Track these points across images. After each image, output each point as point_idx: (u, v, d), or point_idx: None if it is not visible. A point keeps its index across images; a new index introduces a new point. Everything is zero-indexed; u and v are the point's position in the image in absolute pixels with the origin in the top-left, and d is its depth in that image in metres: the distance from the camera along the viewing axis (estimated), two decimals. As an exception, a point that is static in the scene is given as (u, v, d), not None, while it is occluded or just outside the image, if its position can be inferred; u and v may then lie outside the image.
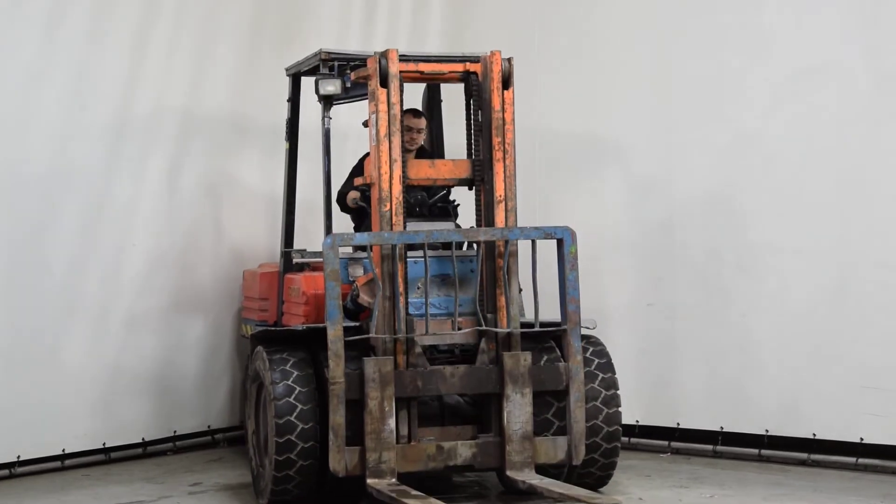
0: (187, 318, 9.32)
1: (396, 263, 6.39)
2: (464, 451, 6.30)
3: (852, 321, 7.94)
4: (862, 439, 7.93)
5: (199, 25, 9.35)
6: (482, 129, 6.63)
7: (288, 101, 8.17)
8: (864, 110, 8.08)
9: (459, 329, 6.48)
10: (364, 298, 6.52)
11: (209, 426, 9.42)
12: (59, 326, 8.36)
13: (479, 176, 6.64)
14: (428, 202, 7.24)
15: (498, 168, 6.48)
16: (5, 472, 8.06)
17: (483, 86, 6.60)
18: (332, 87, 6.98)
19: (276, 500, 6.54)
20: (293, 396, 6.35)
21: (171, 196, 9.21)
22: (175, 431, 9.16)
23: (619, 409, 6.86)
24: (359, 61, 7.05)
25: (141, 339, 8.94)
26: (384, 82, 6.37)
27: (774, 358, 8.33)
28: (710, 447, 8.59)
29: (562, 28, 9.73)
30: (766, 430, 8.29)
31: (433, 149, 8.59)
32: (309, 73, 7.70)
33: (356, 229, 7.80)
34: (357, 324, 6.54)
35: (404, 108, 7.06)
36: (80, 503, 7.39)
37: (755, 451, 8.40)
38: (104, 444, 8.63)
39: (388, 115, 6.36)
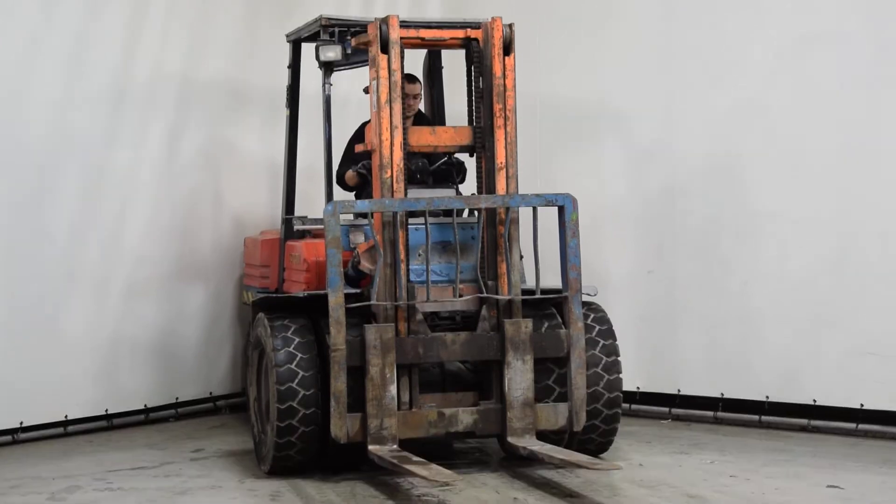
0: (188, 286, 9.41)
1: (398, 230, 6.38)
2: (465, 417, 6.32)
3: (853, 289, 7.99)
4: (862, 405, 8.02)
5: None
6: (483, 96, 6.61)
7: (288, 67, 8.11)
8: (864, 78, 8.05)
9: (461, 296, 6.46)
10: (365, 265, 6.52)
11: (211, 393, 9.56)
12: (60, 294, 8.44)
13: (480, 143, 6.63)
14: (429, 169, 7.27)
15: (499, 135, 6.47)
16: (8, 438, 8.18)
17: (484, 52, 6.57)
18: (332, 53, 6.96)
19: (279, 465, 6.56)
20: (294, 363, 6.37)
21: (171, 164, 9.24)
22: (177, 398, 9.28)
23: (620, 375, 6.87)
24: (359, 27, 7.00)
25: (142, 307, 9.04)
26: (385, 48, 6.34)
27: (775, 325, 8.37)
28: (710, 414, 8.64)
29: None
30: (767, 397, 8.34)
31: (434, 116, 8.55)
32: (309, 39, 7.64)
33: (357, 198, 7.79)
34: (358, 290, 6.52)
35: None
36: (83, 469, 7.49)
37: (756, 417, 8.48)
38: (106, 410, 8.75)
39: (389, 82, 6.34)
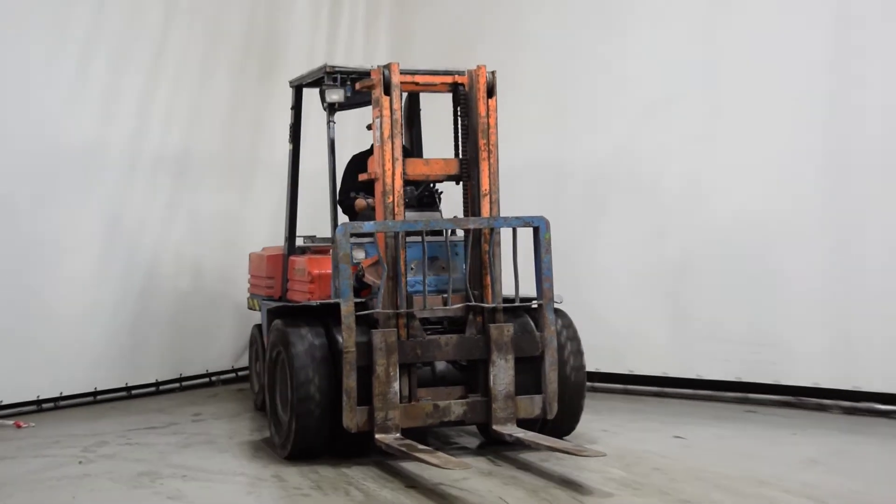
0: (193, 291, 10.64)
1: (399, 248, 6.85)
2: (456, 408, 6.83)
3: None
4: (699, 376, 9.65)
5: (197, 79, 10.49)
6: (468, 133, 7.11)
7: (291, 108, 8.65)
8: (701, 133, 9.62)
9: (451, 305, 7.01)
10: (369, 278, 7.04)
11: (207, 370, 10.78)
12: (94, 294, 9.56)
13: (466, 173, 7.14)
14: (415, 194, 7.72)
15: (484, 166, 6.99)
16: (51, 404, 9.27)
17: (470, 95, 7.08)
18: (336, 95, 7.54)
19: (297, 452, 6.94)
20: (311, 363, 6.81)
21: (181, 197, 10.51)
22: (181, 374, 10.48)
23: (584, 370, 7.49)
24: (357, 74, 7.53)
25: (156, 306, 10.15)
26: (387, 91, 6.83)
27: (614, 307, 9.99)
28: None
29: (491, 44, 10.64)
30: (630, 370, 10.09)
31: (413, 150, 8.98)
32: (310, 84, 8.23)
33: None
34: (362, 300, 6.93)
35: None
36: (108, 428, 8.52)
37: (620, 385, 10.23)
38: (126, 383, 9.90)
39: (391, 120, 6.83)
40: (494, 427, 6.80)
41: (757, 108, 9.32)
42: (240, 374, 11.09)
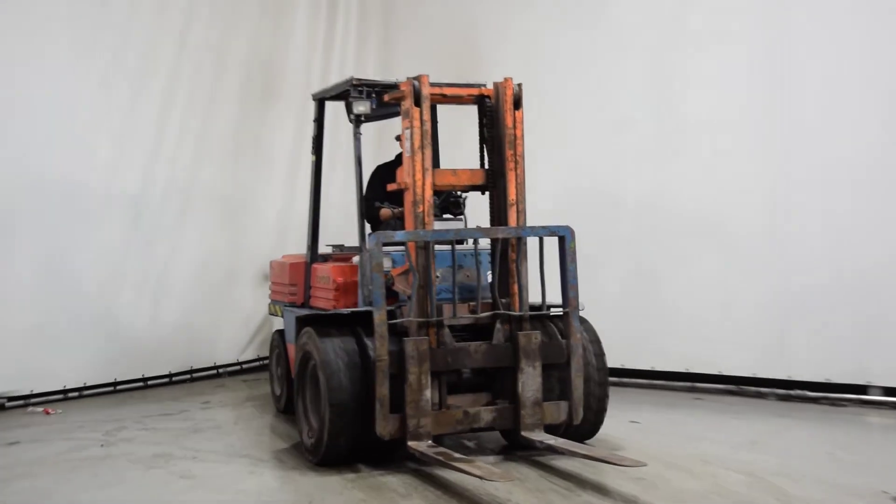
0: (202, 293, 10.73)
1: (429, 257, 6.46)
2: (485, 415, 6.45)
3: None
4: (653, 367, 9.86)
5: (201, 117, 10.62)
6: (494, 144, 6.76)
7: (315, 121, 8.25)
8: (653, 153, 9.72)
9: (479, 313, 6.59)
10: (399, 287, 6.67)
11: (215, 363, 10.94)
12: (114, 297, 9.81)
13: (492, 183, 6.80)
14: (437, 203, 7.40)
15: (511, 176, 6.63)
16: (76, 393, 9.57)
17: (496, 107, 6.74)
18: (363, 107, 7.11)
19: (328, 458, 6.55)
20: (344, 371, 6.42)
21: (196, 221, 10.68)
22: (192, 367, 10.70)
23: (607, 375, 7.09)
24: (382, 87, 7.20)
25: (169, 309, 10.38)
26: (417, 102, 6.46)
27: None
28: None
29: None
30: (653, 367, 9.88)
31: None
32: (333, 98, 7.88)
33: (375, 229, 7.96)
34: (390, 308, 6.48)
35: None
36: (127, 415, 8.73)
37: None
38: (143, 375, 10.14)
39: (421, 131, 6.47)
40: (523, 433, 6.48)
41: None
42: (244, 366, 11.35)
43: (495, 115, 6.76)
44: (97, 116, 9.52)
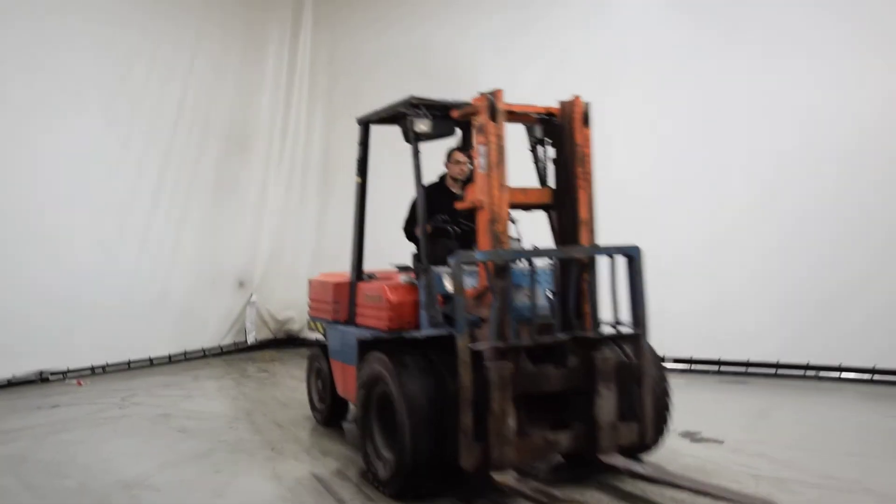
0: (194, 293, 10.83)
1: (509, 277, 5.21)
2: (564, 440, 5.24)
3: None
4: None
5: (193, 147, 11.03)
6: (561, 162, 5.57)
7: (360, 144, 6.91)
8: None
9: (555, 334, 5.28)
10: (478, 309, 5.25)
11: (202, 347, 11.31)
12: (128, 296, 9.92)
13: (559, 201, 5.61)
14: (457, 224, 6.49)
15: (582, 195, 5.44)
16: (100, 370, 9.88)
17: (563, 124, 5.56)
18: (424, 125, 5.82)
19: (406, 490, 5.30)
20: (425, 403, 5.15)
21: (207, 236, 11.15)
22: (185, 350, 11.10)
23: (669, 393, 5.95)
24: (441, 106, 5.96)
25: (170, 306, 10.64)
26: (493, 117, 5.24)
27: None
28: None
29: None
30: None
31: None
32: (382, 121, 6.63)
33: (418, 254, 6.49)
34: (448, 331, 5.25)
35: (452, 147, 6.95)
36: (137, 387, 9.19)
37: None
38: (149, 356, 10.65)
39: (497, 147, 5.25)
40: (600, 457, 5.27)
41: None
42: (224, 349, 11.63)
43: (563, 133, 5.61)
44: (116, 162, 10.12)
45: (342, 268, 10.80)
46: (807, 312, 8.76)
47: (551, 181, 5.79)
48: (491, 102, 5.32)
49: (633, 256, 5.46)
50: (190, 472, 5.99)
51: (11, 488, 5.62)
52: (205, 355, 11.12)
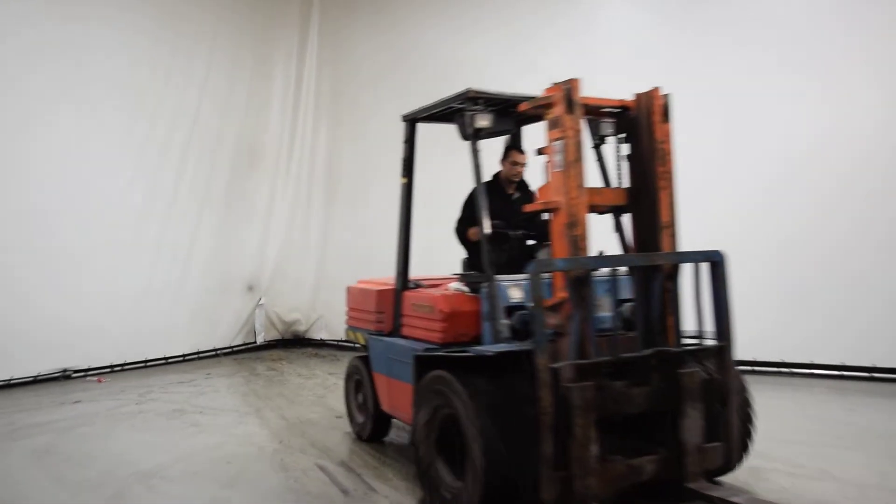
0: (205, 296, 10.75)
1: (590, 287, 4.31)
2: (648, 466, 4.27)
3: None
4: None
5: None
6: (637, 160, 4.65)
7: (405, 142, 5.99)
8: None
9: (636, 347, 4.40)
10: (554, 322, 4.31)
11: (214, 347, 11.00)
12: (144, 302, 9.81)
13: (634, 203, 4.69)
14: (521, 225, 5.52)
15: (663, 196, 4.52)
16: (119, 368, 9.74)
17: (640, 119, 4.65)
18: (485, 121, 4.97)
19: None
20: (500, 433, 4.23)
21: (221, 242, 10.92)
22: (198, 349, 10.80)
23: (752, 410, 5.08)
24: (500, 101, 5.09)
25: (184, 308, 10.49)
26: (571, 109, 4.36)
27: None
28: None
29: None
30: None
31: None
32: (430, 118, 5.75)
33: (470, 259, 5.86)
34: (531, 347, 4.15)
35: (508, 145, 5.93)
36: (153, 384, 8.98)
37: None
38: (164, 355, 10.36)
39: (575, 142, 4.36)
40: (688, 483, 4.34)
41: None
42: (235, 349, 11.31)
43: (639, 128, 4.69)
44: (133, 174, 9.99)
45: (349, 273, 10.72)
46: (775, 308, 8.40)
47: (611, 180, 4.96)
48: (568, 93, 4.40)
49: (717, 262, 4.49)
50: (202, 463, 5.87)
51: (37, 478, 5.55)
52: (216, 354, 10.88)
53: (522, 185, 5.94)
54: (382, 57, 11.35)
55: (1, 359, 8.62)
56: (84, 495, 5.27)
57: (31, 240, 8.90)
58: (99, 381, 9.17)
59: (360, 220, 11.35)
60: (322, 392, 8.35)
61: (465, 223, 5.73)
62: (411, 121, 6.00)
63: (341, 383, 8.14)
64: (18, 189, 8.83)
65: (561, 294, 4.36)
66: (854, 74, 8.29)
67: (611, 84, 8.40)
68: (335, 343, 11.54)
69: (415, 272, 6.01)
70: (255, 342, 11.49)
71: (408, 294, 5.78)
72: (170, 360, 10.35)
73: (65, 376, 9.18)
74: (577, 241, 4.38)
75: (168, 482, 5.48)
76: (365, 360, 6.43)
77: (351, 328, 6.67)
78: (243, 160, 11.40)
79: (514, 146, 5.97)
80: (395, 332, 5.87)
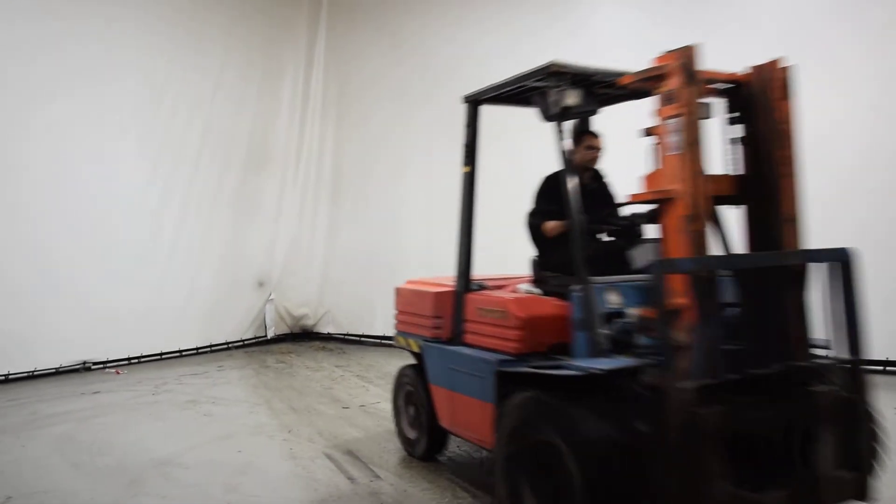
0: (217, 291, 10.60)
1: (718, 292, 3.41)
2: (778, 499, 3.26)
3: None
4: None
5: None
6: (752, 143, 3.66)
7: (467, 126, 4.94)
8: None
9: (769, 365, 3.41)
10: (679, 334, 3.23)
11: (226, 340, 10.76)
12: (158, 299, 9.82)
13: (751, 193, 3.67)
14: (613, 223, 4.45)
15: (785, 184, 3.54)
16: (136, 360, 9.63)
17: (756, 95, 3.65)
18: (573, 98, 4.05)
19: None
20: (605, 458, 3.26)
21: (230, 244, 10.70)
22: (211, 342, 10.56)
23: (885, 432, 3.96)
24: (587, 77, 4.19)
25: (197, 303, 10.38)
26: (690, 80, 3.38)
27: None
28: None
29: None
30: None
31: None
32: (495, 99, 4.82)
33: (542, 257, 4.74)
34: (631, 363, 3.37)
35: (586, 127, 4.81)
36: (168, 375, 8.76)
37: None
38: (178, 348, 10.13)
39: (694, 120, 3.38)
40: None
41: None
42: (245, 342, 11.04)
43: (756, 106, 3.66)
44: (149, 178, 9.87)
45: (354, 270, 10.63)
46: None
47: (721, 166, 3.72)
48: (686, 63, 3.38)
49: (847, 262, 3.43)
50: (215, 451, 5.76)
51: (58, 465, 5.47)
52: (228, 347, 10.62)
53: (597, 175, 4.88)
54: (387, 61, 10.98)
55: (24, 352, 8.45)
56: (103, 481, 5.13)
57: (54, 239, 8.74)
58: (117, 373, 8.99)
59: (365, 219, 11.01)
60: (329, 384, 8.03)
61: (542, 216, 4.59)
62: (474, 102, 4.88)
63: (348, 375, 8.34)
64: (44, 188, 8.70)
65: (680, 300, 3.27)
66: (855, 74, 7.78)
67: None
68: (342, 337, 11.16)
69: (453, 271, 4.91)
70: (265, 336, 11.09)
71: (472, 297, 4.71)
72: (184, 353, 10.07)
73: (85, 368, 9.00)
74: (699, 237, 3.36)
75: (182, 469, 5.36)
76: (418, 369, 5.32)
77: (401, 334, 5.54)
78: (254, 161, 11.07)
79: (586, 130, 4.90)
80: (457, 339, 4.78)
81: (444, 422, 5.02)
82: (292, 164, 11.44)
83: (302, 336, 11.51)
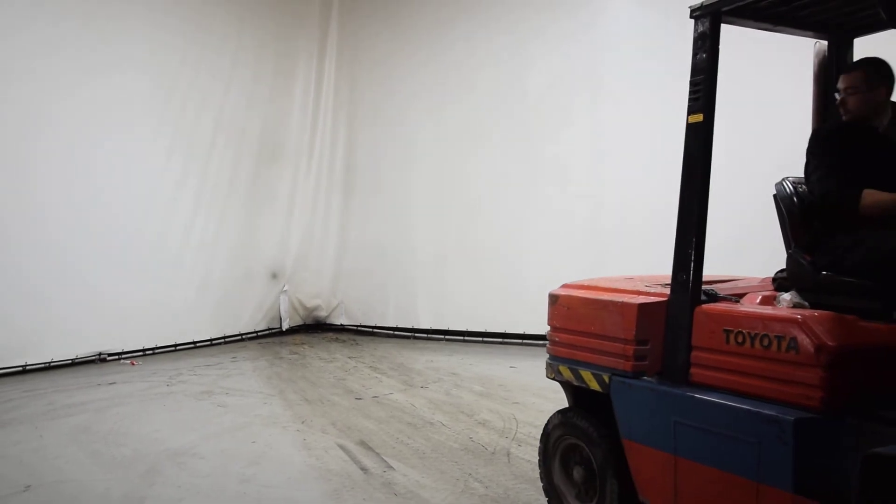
0: (232, 283, 10.68)
1: None
2: None
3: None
4: (524, 332, 9.41)
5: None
6: None
7: (697, 52, 3.21)
8: None
9: None
10: None
11: (240, 332, 10.88)
12: (172, 291, 9.85)
13: None
14: None
15: None
16: (150, 352, 9.73)
17: None
18: None
19: None
20: None
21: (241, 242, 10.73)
22: (224, 334, 10.64)
23: None
24: None
25: (211, 295, 10.36)
26: None
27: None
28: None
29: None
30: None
31: (822, 120, 3.76)
32: (735, 14, 3.17)
33: (828, 248, 3.18)
34: None
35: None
36: (182, 367, 8.84)
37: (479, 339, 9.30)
38: (193, 339, 10.23)
39: None
40: None
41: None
42: (259, 334, 11.07)
43: None
44: (162, 171, 9.88)
45: (365, 262, 10.79)
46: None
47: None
48: None
49: None
50: (229, 442, 5.80)
51: (75, 455, 5.50)
52: (242, 339, 10.64)
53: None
54: (399, 54, 11.03)
55: (41, 343, 8.44)
56: (119, 471, 5.16)
57: (69, 233, 8.73)
58: (132, 363, 8.99)
59: (377, 211, 11.07)
60: (342, 375, 8.06)
61: (851, 185, 3.01)
62: (715, 12, 3.13)
63: (361, 366, 8.50)
64: (59, 183, 8.71)
65: None
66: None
67: (614, 85, 8.37)
68: (354, 328, 11.20)
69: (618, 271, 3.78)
70: (279, 328, 11.13)
71: (709, 311, 3.19)
72: (198, 345, 10.10)
73: (100, 359, 8.99)
74: None
75: (197, 459, 5.40)
76: (594, 415, 3.71)
77: (562, 361, 3.84)
78: (266, 154, 11.08)
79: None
80: (677, 375, 3.29)
81: (653, 498, 3.42)
82: (305, 157, 11.43)
83: (315, 327, 11.53)
